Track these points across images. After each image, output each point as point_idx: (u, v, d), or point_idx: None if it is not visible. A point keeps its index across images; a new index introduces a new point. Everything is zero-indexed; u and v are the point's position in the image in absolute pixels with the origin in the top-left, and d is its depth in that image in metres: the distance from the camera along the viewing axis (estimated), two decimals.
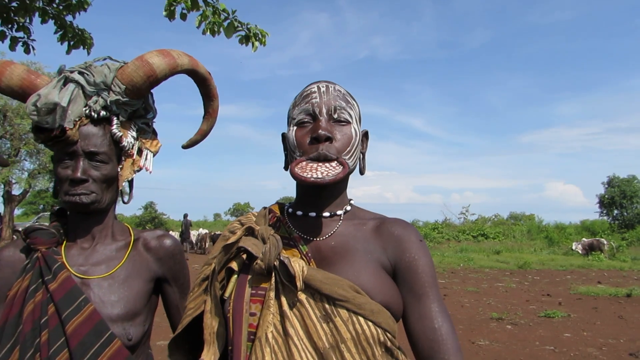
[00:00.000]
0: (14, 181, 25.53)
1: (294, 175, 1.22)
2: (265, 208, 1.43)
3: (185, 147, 1.78)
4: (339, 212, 1.34)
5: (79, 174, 1.40)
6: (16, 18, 4.61)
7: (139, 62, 1.47)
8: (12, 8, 4.26)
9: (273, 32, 4.56)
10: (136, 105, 1.53)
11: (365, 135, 1.43)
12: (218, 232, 27.30)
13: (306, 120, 1.30)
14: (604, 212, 46.84)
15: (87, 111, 1.43)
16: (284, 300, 1.13)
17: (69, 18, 4.55)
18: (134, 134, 1.56)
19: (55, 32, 4.70)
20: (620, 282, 15.16)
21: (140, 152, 1.59)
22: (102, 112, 1.45)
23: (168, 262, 1.59)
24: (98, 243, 1.53)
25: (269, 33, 4.45)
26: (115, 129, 1.47)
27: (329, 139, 1.25)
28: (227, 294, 1.23)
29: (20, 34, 4.81)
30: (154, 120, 1.67)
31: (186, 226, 24.43)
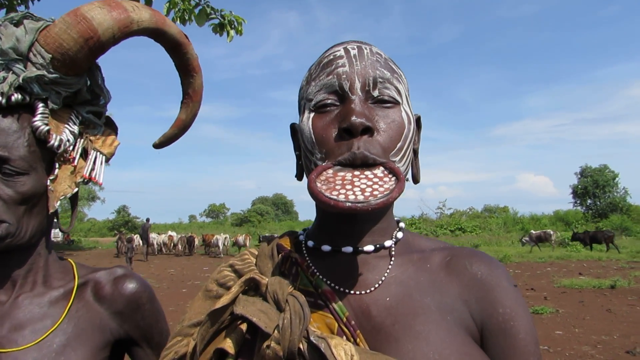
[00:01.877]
0: None
1: (316, 197, 0.77)
2: (267, 243, 0.98)
3: (157, 145, 1.26)
4: (387, 244, 0.91)
5: None
6: None
7: (71, 17, 0.96)
8: None
9: (243, 32, 4.12)
10: (75, 84, 1.02)
11: (417, 122, 0.99)
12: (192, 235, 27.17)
13: (330, 101, 0.88)
14: (578, 202, 47.79)
15: None
16: None
17: (21, 9, 4.10)
18: (75, 128, 1.04)
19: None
20: (601, 273, 15.24)
21: (85, 155, 1.08)
22: (16, 96, 0.95)
23: (133, 317, 1.11)
24: (21, 294, 1.03)
25: (246, 20, 4.02)
26: (39, 120, 0.97)
27: (369, 131, 0.83)
28: None
29: None
30: (106, 108, 1.14)
31: (144, 230, 24.21)
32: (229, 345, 0.79)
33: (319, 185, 0.79)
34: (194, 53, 1.17)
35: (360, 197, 0.75)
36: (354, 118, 0.81)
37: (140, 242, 24.84)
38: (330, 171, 0.82)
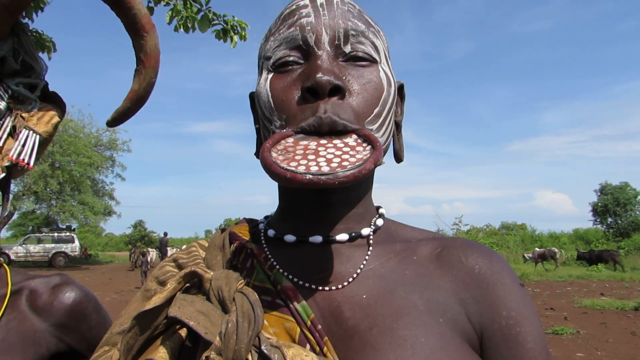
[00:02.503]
0: None
1: (268, 169, 0.63)
2: (222, 230, 0.84)
3: (110, 122, 1.04)
4: (365, 232, 0.77)
5: None
6: None
7: None
8: None
9: (255, 49, 4.03)
10: None
11: (400, 90, 0.86)
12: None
13: (292, 58, 0.74)
14: (598, 220, 46.84)
15: None
16: None
17: (25, 21, 4.08)
18: (2, 103, 0.90)
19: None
20: (624, 294, 14.75)
21: (14, 133, 0.93)
22: None
23: (77, 329, 0.98)
24: None
25: (249, 25, 3.93)
26: None
27: (338, 91, 0.70)
28: None
29: None
30: (44, 79, 0.98)
31: (162, 244, 24.21)
32: (161, 356, 0.63)
33: (274, 155, 0.64)
34: (141, 8, 0.97)
35: (326, 169, 0.60)
36: (319, 75, 0.67)
37: (156, 256, 25.00)
38: (290, 140, 0.68)
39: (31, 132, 0.94)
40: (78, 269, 25.40)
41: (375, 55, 0.76)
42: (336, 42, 0.73)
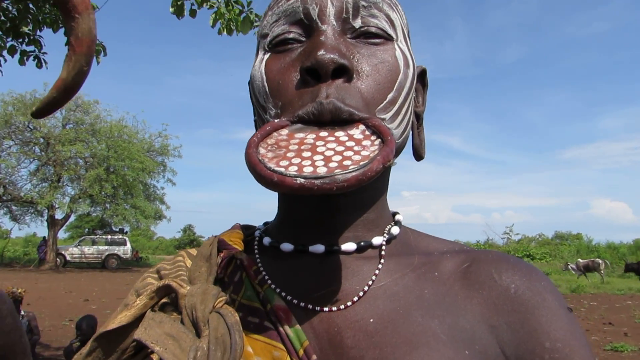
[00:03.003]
0: (56, 206, 25.96)
1: (252, 169, 0.52)
2: (215, 237, 0.73)
3: (35, 113, 0.89)
4: (376, 241, 0.65)
5: None
6: (28, 31, 4.28)
7: None
8: (15, 17, 3.93)
9: None
10: None
11: (422, 77, 0.75)
12: None
13: (291, 35, 0.63)
14: None
15: None
16: None
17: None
18: None
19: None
20: None
21: None
22: None
23: None
24: None
25: None
26: None
27: (344, 72, 0.58)
28: None
29: (31, 48, 4.51)
30: None
31: None
32: None
33: (261, 151, 0.54)
34: None
35: (322, 170, 0.49)
36: (321, 53, 0.56)
37: None
38: (284, 132, 0.57)
39: None
40: (129, 271, 26.17)
41: (390, 31, 0.64)
42: (344, 15, 0.62)
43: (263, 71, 0.64)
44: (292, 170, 0.50)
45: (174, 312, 0.57)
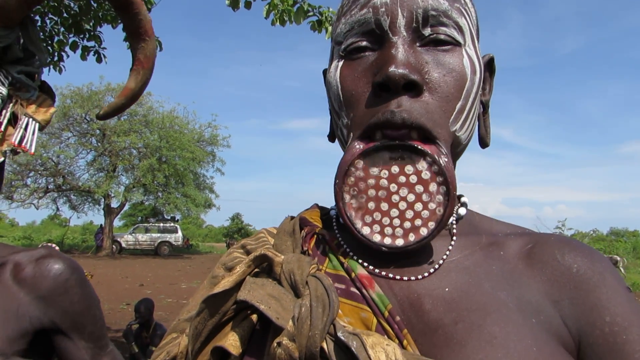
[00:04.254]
0: (112, 195, 26.96)
1: (345, 224, 0.65)
2: (292, 218, 0.80)
3: (101, 116, 1.10)
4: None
5: None
6: (88, 27, 4.46)
7: None
8: (77, 14, 4.10)
9: None
10: (4, 39, 0.88)
11: (489, 65, 0.78)
12: None
13: (364, 44, 0.67)
14: None
15: None
16: None
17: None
18: (4, 90, 0.92)
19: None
20: None
21: (15, 120, 0.95)
22: None
23: (60, 301, 0.96)
24: None
25: None
26: None
27: (414, 87, 0.62)
28: None
29: (92, 43, 4.70)
30: (42, 69, 1.01)
31: None
32: (231, 342, 0.60)
33: (347, 199, 0.64)
34: (146, 14, 1.02)
35: (400, 242, 0.63)
36: (392, 69, 0.60)
37: None
38: (360, 164, 0.63)
39: (31, 119, 0.96)
40: (180, 258, 26.98)
41: (459, 38, 0.67)
42: (414, 24, 0.65)
43: (338, 79, 0.69)
44: (376, 237, 0.64)
45: (268, 278, 0.64)
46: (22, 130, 0.95)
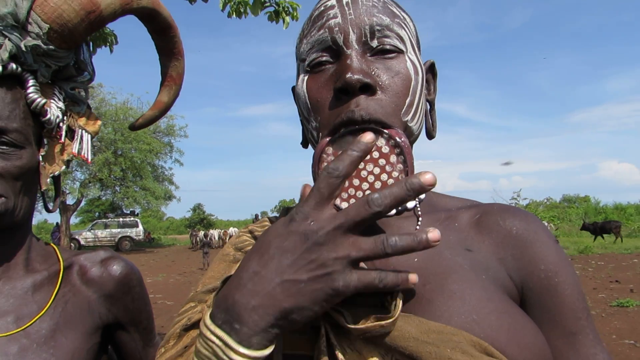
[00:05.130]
0: (67, 191, 26.23)
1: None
2: (288, 208, 0.91)
3: (135, 126, 1.22)
4: (410, 205, 0.80)
5: None
6: None
7: None
8: None
9: (299, 16, 4.14)
10: (65, 58, 0.97)
11: (431, 69, 0.91)
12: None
13: (324, 59, 0.79)
14: None
15: None
16: None
17: None
18: (61, 104, 1.00)
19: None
20: None
21: (71, 132, 1.04)
22: (12, 65, 0.90)
23: (123, 300, 1.06)
24: (2, 279, 0.97)
25: (300, 5, 4.02)
26: (32, 92, 0.92)
27: (368, 88, 0.74)
28: None
29: None
30: (90, 85, 1.10)
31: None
32: None
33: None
34: (180, 38, 1.15)
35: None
36: (349, 75, 0.72)
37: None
38: (329, 150, 0.74)
39: (84, 131, 1.06)
40: (143, 252, 26.64)
41: (401, 46, 0.79)
42: (363, 38, 0.77)
43: (305, 90, 0.81)
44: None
45: None
46: (78, 141, 1.05)
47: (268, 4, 3.92)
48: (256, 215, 25.98)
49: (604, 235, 25.25)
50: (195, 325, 0.79)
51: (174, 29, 1.12)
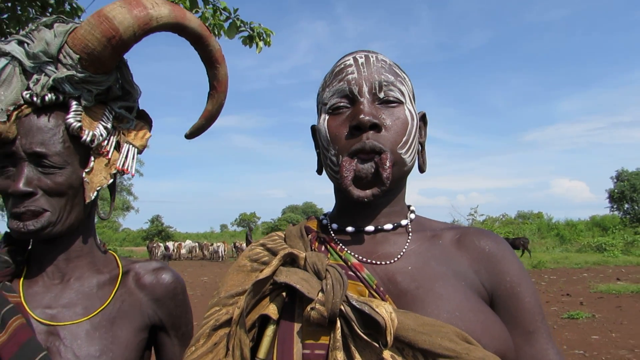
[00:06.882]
0: None
1: (350, 195, 0.94)
2: (294, 225, 1.10)
3: (188, 135, 1.33)
4: (403, 222, 1.03)
5: (20, 186, 1.00)
6: (8, 30, 4.39)
7: (95, 19, 1.02)
8: (4, 20, 4.04)
9: (272, 42, 4.28)
10: (105, 82, 1.09)
11: (423, 118, 1.12)
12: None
13: (342, 104, 1.00)
14: (614, 207, 46.41)
15: (28, 96, 1.01)
16: None
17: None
18: (109, 123, 1.12)
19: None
20: None
21: (119, 147, 1.16)
22: (49, 96, 1.02)
23: (167, 305, 1.21)
24: (72, 277, 1.14)
25: (274, 32, 4.16)
26: (71, 118, 1.04)
27: (376, 127, 0.95)
28: (261, 355, 0.89)
29: None
30: (138, 102, 1.22)
31: (248, 237, 26.28)
32: (272, 311, 0.89)
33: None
34: (216, 44, 1.22)
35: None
36: (362, 116, 0.93)
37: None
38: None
39: (131, 146, 1.18)
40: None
41: (401, 98, 1.00)
42: (373, 91, 0.98)
43: (326, 127, 1.01)
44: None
45: (292, 267, 0.94)
46: (124, 155, 1.16)
47: (243, 28, 4.03)
48: (247, 234, 26.49)
49: (515, 250, 25.99)
50: (223, 325, 0.94)
51: (206, 38, 1.18)
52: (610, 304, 10.42)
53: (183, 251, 32.22)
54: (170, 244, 30.99)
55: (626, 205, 44.68)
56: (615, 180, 45.88)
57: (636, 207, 43.50)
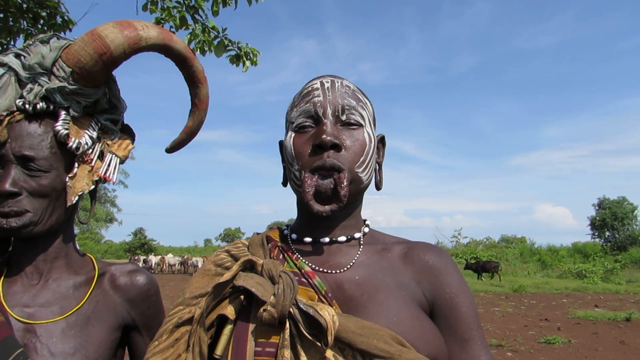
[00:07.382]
0: None
1: (310, 208, 1.02)
2: (258, 234, 1.18)
3: (169, 150, 1.42)
4: (357, 235, 1.12)
5: (7, 186, 1.06)
6: (0, 40, 4.45)
7: (88, 37, 1.11)
8: None
9: (262, 59, 4.40)
10: (94, 95, 1.18)
11: (381, 140, 1.21)
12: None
13: (307, 123, 1.09)
14: (596, 234, 46.97)
15: (21, 103, 1.09)
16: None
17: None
18: (94, 133, 1.20)
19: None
20: (617, 306, 15.01)
21: (102, 156, 1.23)
22: (41, 104, 1.10)
23: (140, 305, 1.27)
24: (50, 278, 1.19)
25: (261, 52, 4.28)
26: (59, 125, 1.11)
27: (336, 147, 1.04)
28: (218, 352, 0.95)
29: None
30: (123, 116, 1.31)
31: None
32: (230, 311, 0.97)
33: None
34: (199, 66, 1.32)
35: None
36: (324, 136, 1.03)
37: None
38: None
39: (114, 155, 1.25)
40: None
41: (361, 122, 1.10)
42: (336, 113, 1.08)
43: (292, 144, 1.10)
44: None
45: (251, 272, 1.02)
46: (107, 164, 1.23)
47: (231, 47, 4.14)
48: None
49: (484, 274, 27.24)
50: (185, 323, 1.02)
51: (190, 60, 1.29)
52: (587, 330, 10.55)
53: (164, 267, 31.99)
54: (153, 258, 30.71)
55: (607, 233, 45.23)
56: (597, 207, 46.53)
57: (617, 235, 44.07)
